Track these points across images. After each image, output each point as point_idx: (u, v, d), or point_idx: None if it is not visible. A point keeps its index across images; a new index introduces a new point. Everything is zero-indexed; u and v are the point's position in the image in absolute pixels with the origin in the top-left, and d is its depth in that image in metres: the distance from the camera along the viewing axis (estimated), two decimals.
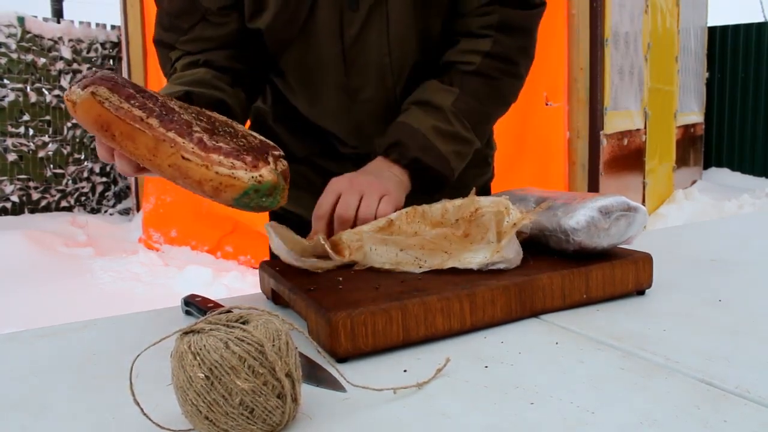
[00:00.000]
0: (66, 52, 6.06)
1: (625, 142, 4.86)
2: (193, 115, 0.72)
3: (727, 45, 7.79)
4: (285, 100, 1.06)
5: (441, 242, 0.78)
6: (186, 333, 0.49)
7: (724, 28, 7.81)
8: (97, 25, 6.54)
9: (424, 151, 0.92)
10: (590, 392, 0.56)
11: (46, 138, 5.98)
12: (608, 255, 0.81)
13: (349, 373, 0.58)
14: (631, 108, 5.02)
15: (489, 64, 0.94)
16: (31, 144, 5.88)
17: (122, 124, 0.66)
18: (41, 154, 5.96)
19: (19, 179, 5.84)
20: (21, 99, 5.76)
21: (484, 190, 1.18)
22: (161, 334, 0.52)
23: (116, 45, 6.51)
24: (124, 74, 6.00)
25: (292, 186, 0.81)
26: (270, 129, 1.09)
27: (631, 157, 5.03)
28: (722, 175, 7.82)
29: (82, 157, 6.33)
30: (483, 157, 1.13)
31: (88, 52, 6.29)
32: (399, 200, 0.89)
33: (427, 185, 0.95)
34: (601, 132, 4.22)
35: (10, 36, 5.65)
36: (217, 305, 0.78)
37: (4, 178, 5.74)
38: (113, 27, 6.56)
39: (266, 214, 1.21)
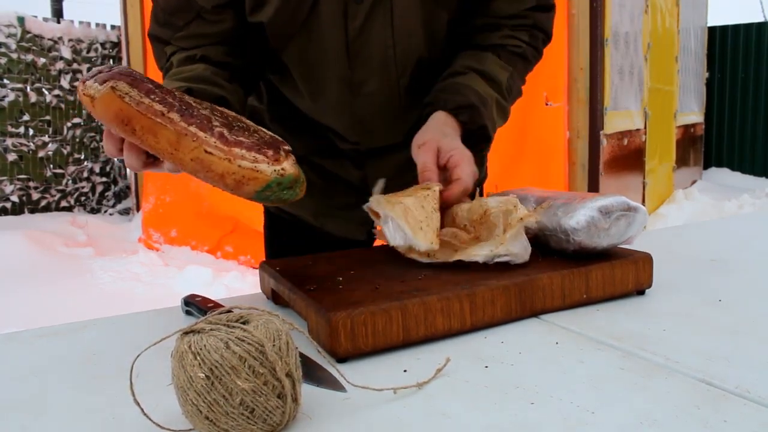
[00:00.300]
0: (66, 52, 6.06)
1: (625, 142, 4.86)
2: (209, 110, 0.72)
3: (727, 45, 7.79)
4: (282, 98, 1.06)
5: (451, 240, 0.80)
6: (186, 333, 0.49)
7: (724, 28, 7.81)
8: (97, 25, 6.54)
9: (489, 120, 0.95)
10: (590, 392, 0.56)
11: (46, 138, 5.98)
12: (608, 255, 0.81)
13: (349, 373, 0.59)
14: (631, 108, 5.02)
15: (528, 51, 1.02)
16: (31, 144, 5.88)
17: (143, 119, 0.66)
18: (41, 154, 5.97)
19: (19, 179, 5.84)
20: (21, 99, 5.76)
21: (478, 189, 1.18)
22: (161, 334, 0.52)
23: (116, 45, 6.51)
24: (120, 65, 5.98)
25: None
26: (266, 128, 1.08)
27: (631, 157, 5.03)
28: (722, 175, 7.82)
29: (82, 157, 6.33)
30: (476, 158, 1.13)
31: (88, 52, 6.29)
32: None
33: (471, 148, 0.95)
34: (601, 132, 4.22)
35: (10, 36, 5.65)
36: (217, 305, 0.78)
37: (4, 178, 5.74)
38: (113, 27, 6.56)
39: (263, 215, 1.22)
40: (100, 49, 6.40)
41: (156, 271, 4.49)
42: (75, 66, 6.17)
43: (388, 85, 0.97)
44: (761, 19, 8.37)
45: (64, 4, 7.26)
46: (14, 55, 5.68)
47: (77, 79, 6.19)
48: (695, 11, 7.23)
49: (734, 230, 1.26)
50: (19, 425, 0.54)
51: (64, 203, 6.19)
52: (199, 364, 0.47)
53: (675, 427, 0.50)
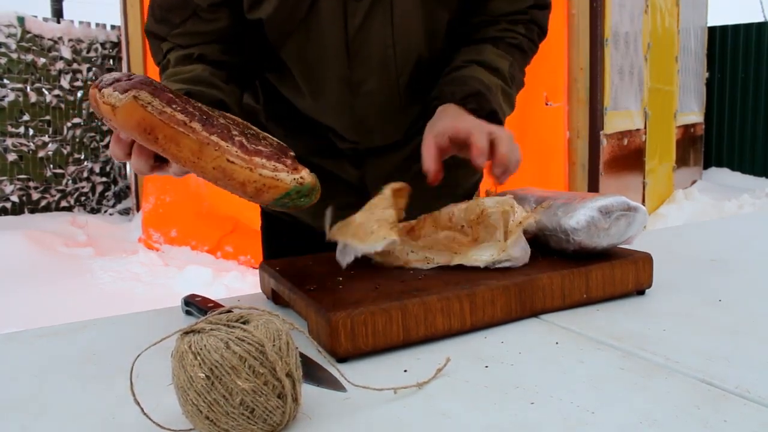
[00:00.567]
0: (66, 52, 6.06)
1: (625, 142, 4.86)
2: (222, 118, 0.74)
3: (727, 45, 7.79)
4: (279, 98, 1.05)
5: (450, 244, 0.80)
6: (186, 333, 0.49)
7: (724, 28, 7.81)
8: (97, 25, 6.54)
9: (498, 106, 0.94)
10: (590, 392, 0.56)
11: (46, 138, 5.99)
12: (608, 255, 0.81)
13: (349, 373, 0.59)
14: (631, 108, 5.02)
15: (524, 42, 1.03)
16: (31, 144, 5.88)
17: (166, 128, 0.67)
18: (41, 154, 5.97)
19: (19, 179, 5.84)
20: (21, 99, 5.76)
21: (473, 191, 1.18)
22: (161, 334, 0.52)
23: (116, 45, 6.51)
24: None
25: None
26: (263, 128, 1.08)
27: (631, 157, 5.03)
28: (722, 175, 7.82)
29: (82, 157, 6.33)
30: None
31: (88, 52, 6.29)
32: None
33: None
34: (601, 132, 4.22)
35: (10, 36, 5.65)
36: (217, 305, 0.78)
37: (4, 178, 5.74)
38: (113, 27, 6.56)
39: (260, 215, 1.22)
40: (100, 49, 6.40)
41: (156, 271, 4.49)
42: (75, 66, 6.17)
43: (388, 84, 0.97)
44: (761, 19, 8.37)
45: (64, 4, 7.26)
46: (14, 55, 5.68)
47: (77, 79, 6.19)
48: (695, 11, 7.23)
49: (734, 230, 1.26)
50: (19, 425, 0.54)
51: (64, 203, 6.20)
52: (199, 364, 0.47)
53: (675, 427, 0.50)
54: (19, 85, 5.74)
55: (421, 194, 1.09)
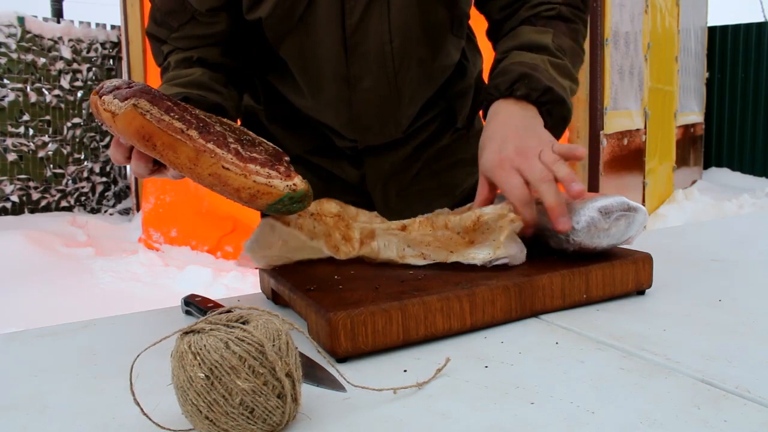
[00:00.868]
0: (66, 52, 6.07)
1: (625, 142, 4.86)
2: (220, 125, 0.76)
3: (727, 45, 7.79)
4: (280, 98, 1.06)
5: (447, 242, 0.80)
6: (186, 333, 0.49)
7: (724, 28, 7.82)
8: (97, 25, 6.55)
9: (551, 81, 0.87)
10: (590, 392, 0.56)
11: (46, 138, 5.99)
12: (608, 255, 0.81)
13: (349, 373, 0.59)
14: (631, 108, 5.02)
15: (566, 10, 0.96)
16: (31, 144, 5.88)
17: (164, 136, 0.69)
18: (41, 154, 5.97)
19: (19, 179, 5.84)
20: (21, 99, 5.76)
21: (473, 191, 1.18)
22: (161, 334, 0.52)
23: (116, 45, 6.51)
24: (124, 74, 6.01)
25: None
26: (263, 128, 1.09)
27: (631, 157, 5.04)
28: (722, 175, 7.82)
29: (82, 157, 6.33)
30: (473, 157, 1.13)
31: (88, 52, 6.29)
32: (556, 143, 0.83)
33: (555, 124, 0.88)
34: (601, 132, 4.23)
35: (10, 36, 5.65)
36: (217, 305, 0.78)
37: (4, 178, 5.74)
38: (113, 27, 6.56)
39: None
40: (100, 49, 6.40)
41: (156, 271, 4.49)
42: (75, 66, 6.17)
43: (386, 80, 0.97)
44: (761, 19, 8.37)
45: (64, 4, 7.26)
46: (14, 55, 5.69)
47: (77, 79, 6.19)
48: (695, 11, 7.23)
49: (734, 230, 1.26)
50: (19, 425, 0.54)
51: (64, 203, 6.20)
52: (199, 364, 0.47)
53: (675, 427, 0.50)
54: (19, 85, 5.74)
55: (421, 195, 1.09)
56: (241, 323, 0.50)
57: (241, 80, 1.01)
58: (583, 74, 4.13)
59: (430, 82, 1.02)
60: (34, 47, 5.82)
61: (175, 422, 0.51)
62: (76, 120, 6.21)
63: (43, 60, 5.89)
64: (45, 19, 6.12)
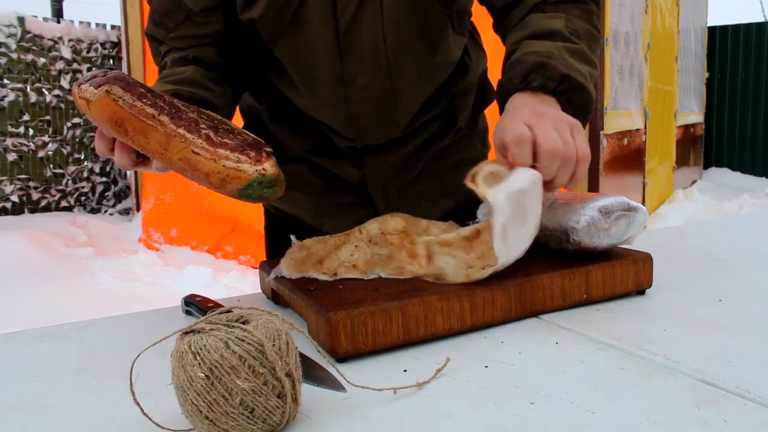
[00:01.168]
0: (66, 52, 6.07)
1: (625, 142, 4.86)
2: (196, 113, 0.77)
3: (727, 45, 7.79)
4: (281, 97, 1.06)
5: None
6: (186, 333, 0.49)
7: (724, 28, 7.82)
8: (97, 25, 6.54)
9: (568, 68, 0.81)
10: (590, 392, 0.56)
11: (46, 138, 5.99)
12: (608, 255, 0.81)
13: (349, 373, 0.59)
14: (631, 108, 5.02)
15: None
16: (31, 144, 5.88)
17: (136, 121, 0.71)
18: (41, 154, 5.97)
19: (19, 179, 5.84)
20: (21, 99, 5.76)
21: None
22: (161, 334, 0.52)
23: (116, 45, 6.51)
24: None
25: (287, 186, 0.84)
26: (265, 128, 1.09)
27: (631, 157, 5.04)
28: (722, 175, 7.82)
29: (82, 157, 6.33)
30: (476, 157, 1.13)
31: (88, 52, 6.29)
32: (582, 131, 0.77)
33: (576, 112, 0.83)
34: (601, 132, 4.23)
35: (10, 36, 5.65)
36: (217, 305, 0.78)
37: (4, 178, 5.74)
38: (113, 27, 6.56)
39: (263, 215, 1.22)
40: (100, 49, 6.40)
41: (156, 271, 4.49)
42: (75, 66, 6.17)
43: (381, 78, 0.97)
44: (761, 19, 8.37)
45: (64, 4, 7.25)
46: (14, 55, 5.68)
47: (77, 79, 6.17)
48: (695, 11, 7.23)
49: (734, 230, 1.26)
50: (20, 425, 0.54)
51: (64, 203, 6.20)
52: (199, 363, 0.47)
53: (675, 427, 0.50)
54: (19, 85, 5.74)
55: (423, 195, 1.09)
56: (241, 323, 0.50)
57: (238, 80, 1.01)
58: None
59: (429, 80, 1.02)
60: (34, 47, 5.82)
61: (175, 422, 0.51)
62: (76, 120, 6.21)
63: (43, 60, 5.88)
64: (45, 19, 6.12)
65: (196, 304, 0.79)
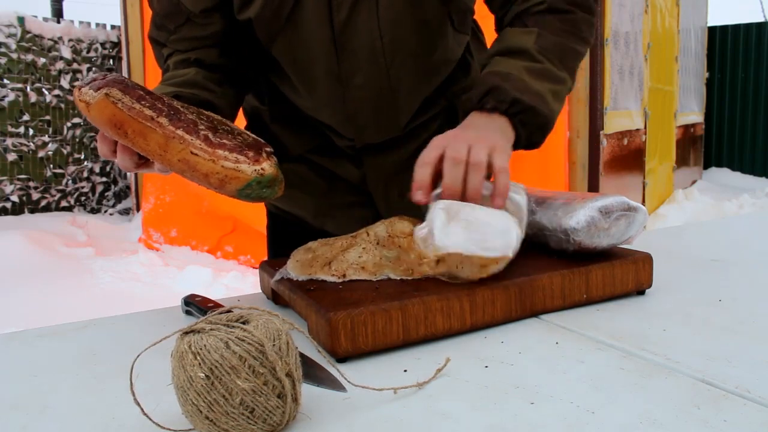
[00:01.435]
0: (66, 52, 6.06)
1: (625, 142, 4.86)
2: (195, 114, 0.77)
3: (727, 45, 7.79)
4: (282, 98, 1.06)
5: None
6: (186, 333, 0.49)
7: (724, 28, 7.81)
8: (97, 25, 6.54)
9: (522, 91, 0.85)
10: (590, 392, 0.56)
11: (46, 138, 5.98)
12: (608, 255, 0.81)
13: (349, 373, 0.59)
14: (631, 108, 5.02)
15: (556, 2, 0.93)
16: (31, 144, 5.88)
17: (135, 123, 0.71)
18: (41, 154, 5.96)
19: (19, 179, 5.84)
20: (21, 99, 5.76)
21: None
22: (161, 334, 0.52)
23: (116, 45, 6.51)
24: (124, 74, 6.00)
25: (288, 185, 0.83)
26: (267, 128, 1.09)
27: (631, 157, 5.03)
28: (722, 175, 7.82)
29: (82, 157, 6.33)
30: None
31: (88, 52, 6.29)
32: (508, 151, 0.83)
33: (531, 133, 0.87)
34: (601, 132, 4.22)
35: (10, 36, 5.65)
36: (217, 305, 0.78)
37: (4, 178, 5.74)
38: (113, 27, 6.56)
39: (265, 215, 1.22)
40: (100, 49, 6.40)
41: (156, 271, 4.49)
42: (75, 66, 6.17)
43: (378, 76, 0.97)
44: (761, 19, 8.37)
45: (64, 4, 7.26)
46: (14, 55, 5.68)
47: (77, 79, 6.19)
48: (695, 11, 7.23)
49: (734, 230, 1.26)
50: (20, 425, 0.54)
51: (64, 203, 6.19)
52: (199, 363, 0.47)
53: (675, 427, 0.50)
54: (19, 85, 5.74)
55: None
56: (241, 323, 0.50)
57: (240, 81, 1.02)
58: (583, 74, 4.13)
59: (428, 79, 1.02)
60: (34, 47, 5.82)
61: (175, 422, 0.51)
62: (76, 120, 6.21)
63: (43, 60, 5.88)
64: (45, 19, 6.12)
65: (196, 304, 0.79)
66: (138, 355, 0.53)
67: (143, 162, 0.78)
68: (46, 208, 6.05)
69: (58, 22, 6.22)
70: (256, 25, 0.95)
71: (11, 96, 5.69)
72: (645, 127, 5.40)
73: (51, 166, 6.06)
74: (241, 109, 1.08)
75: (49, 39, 5.94)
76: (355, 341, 0.64)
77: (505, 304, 0.72)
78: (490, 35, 1.10)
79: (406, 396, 0.56)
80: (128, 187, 6.67)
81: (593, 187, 4.20)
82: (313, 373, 0.59)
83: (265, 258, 1.10)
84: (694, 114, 7.38)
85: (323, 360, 0.61)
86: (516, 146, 0.87)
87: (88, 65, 6.28)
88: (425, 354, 0.66)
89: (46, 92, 5.93)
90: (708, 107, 7.95)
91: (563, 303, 0.76)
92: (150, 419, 0.49)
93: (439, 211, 0.75)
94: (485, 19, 1.08)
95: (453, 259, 0.73)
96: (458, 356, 0.64)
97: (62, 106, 6.09)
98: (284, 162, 0.84)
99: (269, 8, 0.91)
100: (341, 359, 0.64)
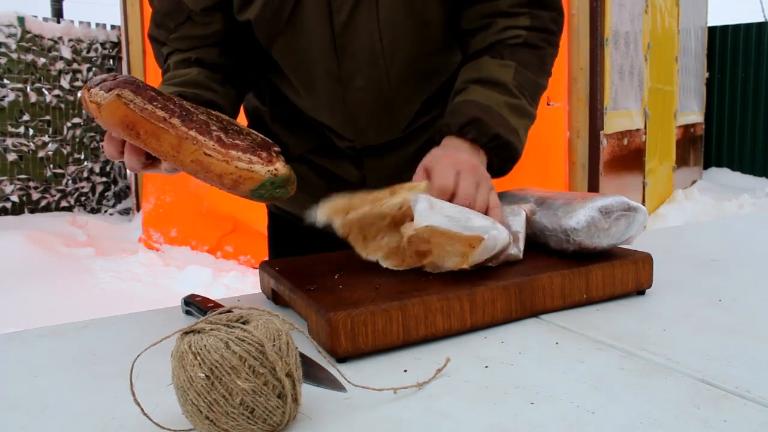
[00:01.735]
0: (66, 52, 6.07)
1: (625, 142, 4.86)
2: (205, 115, 0.77)
3: (727, 45, 7.79)
4: (283, 98, 1.06)
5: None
6: (186, 333, 0.49)
7: (724, 28, 7.82)
8: (97, 25, 6.54)
9: (502, 127, 0.88)
10: (590, 392, 0.56)
11: (46, 138, 5.99)
12: (608, 255, 0.81)
13: (349, 373, 0.59)
14: (631, 108, 5.02)
15: (534, 36, 0.95)
16: (31, 144, 5.88)
17: (147, 124, 0.71)
18: (41, 154, 5.97)
19: (19, 179, 5.84)
20: (21, 99, 5.76)
21: None
22: (161, 334, 0.52)
23: (116, 45, 6.51)
24: (124, 74, 5.99)
25: None
26: (268, 128, 1.09)
27: (631, 157, 5.04)
28: (722, 175, 7.82)
29: (82, 157, 6.33)
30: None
31: (88, 52, 6.29)
32: (490, 182, 0.86)
33: (503, 164, 0.92)
34: (601, 132, 4.22)
35: (10, 36, 5.65)
36: (217, 305, 0.78)
37: (4, 178, 5.74)
38: (113, 27, 6.56)
39: (266, 215, 1.22)
40: (100, 49, 6.40)
41: (156, 271, 4.49)
42: (75, 66, 6.17)
43: (378, 78, 0.97)
44: (761, 19, 8.37)
45: (64, 4, 7.26)
46: (14, 55, 5.68)
47: (77, 79, 6.19)
48: (695, 11, 7.23)
49: (734, 230, 1.26)
50: (20, 425, 0.54)
51: (64, 203, 6.20)
52: (199, 364, 0.47)
53: (675, 427, 0.50)
54: (19, 85, 5.74)
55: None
56: (241, 323, 0.50)
57: (241, 80, 1.02)
58: (583, 74, 4.13)
59: (428, 80, 1.02)
60: (34, 47, 5.82)
61: (175, 422, 0.51)
62: (76, 120, 6.21)
63: (43, 60, 5.89)
64: (45, 19, 6.12)
65: (196, 304, 0.79)
66: (138, 355, 0.53)
67: (150, 162, 0.78)
68: (46, 208, 6.05)
69: (58, 22, 6.22)
70: (256, 27, 0.94)
71: (11, 96, 5.69)
72: (645, 127, 5.40)
73: (51, 166, 6.06)
74: (242, 108, 1.08)
75: (49, 39, 5.94)
76: (355, 341, 0.64)
77: (505, 304, 0.72)
78: None
79: (406, 396, 0.56)
80: (128, 187, 6.67)
81: (593, 187, 4.20)
82: (313, 373, 0.59)
83: (265, 258, 1.10)
84: (694, 114, 7.38)
85: (323, 360, 0.61)
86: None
87: (88, 65, 6.28)
88: (425, 354, 0.66)
89: (46, 92, 5.93)
90: (708, 107, 7.95)
91: (563, 303, 0.76)
92: (150, 419, 0.49)
93: (422, 198, 0.77)
94: None
95: (434, 237, 0.73)
96: (458, 356, 0.64)
97: (62, 106, 6.09)
98: (287, 162, 0.84)
99: (269, 10, 0.91)
100: (341, 359, 0.64)
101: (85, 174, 6.38)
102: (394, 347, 0.66)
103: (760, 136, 7.62)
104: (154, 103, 0.72)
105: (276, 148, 0.77)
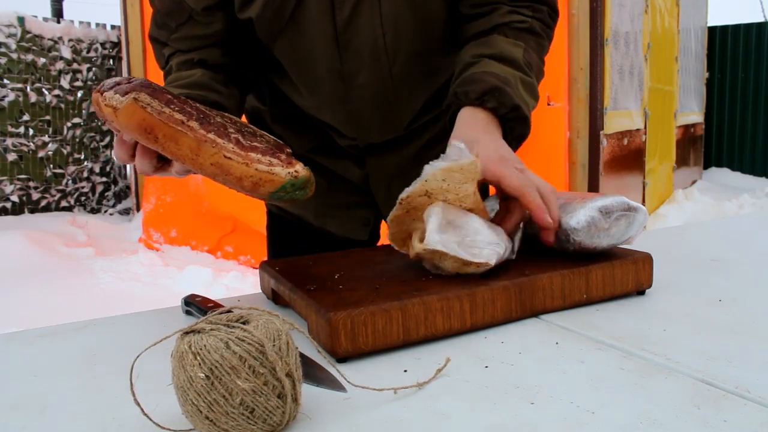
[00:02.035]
0: (66, 52, 6.07)
1: (625, 142, 4.86)
2: (220, 117, 0.77)
3: (727, 45, 7.79)
4: (283, 98, 1.06)
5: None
6: (186, 333, 0.49)
7: (724, 28, 7.82)
8: (97, 25, 6.55)
9: (521, 100, 0.86)
10: (590, 392, 0.56)
11: (46, 138, 5.99)
12: (608, 255, 0.81)
13: (349, 373, 0.59)
14: (631, 108, 5.02)
15: (536, 24, 0.95)
16: (31, 144, 5.89)
17: (166, 128, 0.70)
18: (41, 154, 5.97)
19: (19, 179, 5.84)
20: (21, 99, 5.76)
21: (482, 190, 1.17)
22: (161, 334, 0.52)
23: (116, 45, 6.51)
24: (124, 74, 6.01)
25: None
26: (268, 129, 1.09)
27: (631, 157, 5.04)
28: (722, 175, 7.82)
29: (82, 157, 6.33)
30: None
31: (88, 52, 6.29)
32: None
33: (513, 140, 0.88)
34: (601, 132, 4.23)
35: (10, 36, 5.65)
36: (217, 305, 0.78)
37: (4, 178, 5.74)
38: (113, 27, 6.56)
39: (266, 215, 1.22)
40: (100, 49, 6.40)
41: (156, 271, 4.49)
42: (75, 66, 6.17)
43: (381, 75, 0.97)
44: (761, 19, 8.37)
45: (64, 4, 7.26)
46: (14, 55, 5.69)
47: (77, 79, 6.19)
48: (695, 11, 7.23)
49: (734, 230, 1.26)
50: (20, 425, 0.54)
51: (64, 203, 6.20)
52: (199, 364, 0.47)
53: (675, 427, 0.50)
54: (19, 85, 5.74)
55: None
56: (241, 323, 0.50)
57: (243, 80, 1.01)
58: (583, 74, 4.13)
59: (431, 77, 1.02)
60: (34, 47, 5.82)
61: (175, 422, 0.51)
62: (76, 120, 6.22)
63: (43, 60, 5.89)
64: (45, 19, 6.12)
65: (196, 304, 0.79)
66: (138, 355, 0.53)
67: (161, 166, 0.78)
68: (46, 208, 6.05)
69: (58, 22, 6.22)
70: (257, 25, 0.94)
71: (11, 96, 5.69)
72: (645, 127, 5.40)
73: (51, 166, 6.06)
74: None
75: (49, 39, 5.94)
76: (355, 341, 0.64)
77: (505, 304, 0.72)
78: None
79: (406, 396, 0.56)
80: (128, 187, 6.68)
81: (593, 187, 4.20)
82: (313, 373, 0.59)
83: (265, 258, 1.10)
84: (694, 114, 7.38)
85: (323, 360, 0.61)
86: None
87: (88, 65, 6.28)
88: (425, 354, 0.66)
89: (46, 92, 5.94)
90: (708, 107, 7.95)
91: (563, 303, 0.76)
92: (150, 419, 0.49)
93: (436, 210, 0.76)
94: None
95: (438, 255, 0.74)
96: (458, 356, 0.64)
97: (62, 106, 6.09)
98: None
99: (270, 8, 0.91)
100: (341, 359, 0.64)
101: (85, 174, 6.38)
102: (394, 347, 0.66)
103: (760, 136, 7.62)
104: (171, 106, 0.71)
105: (288, 149, 0.77)
